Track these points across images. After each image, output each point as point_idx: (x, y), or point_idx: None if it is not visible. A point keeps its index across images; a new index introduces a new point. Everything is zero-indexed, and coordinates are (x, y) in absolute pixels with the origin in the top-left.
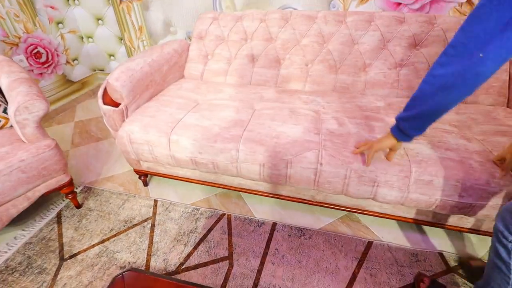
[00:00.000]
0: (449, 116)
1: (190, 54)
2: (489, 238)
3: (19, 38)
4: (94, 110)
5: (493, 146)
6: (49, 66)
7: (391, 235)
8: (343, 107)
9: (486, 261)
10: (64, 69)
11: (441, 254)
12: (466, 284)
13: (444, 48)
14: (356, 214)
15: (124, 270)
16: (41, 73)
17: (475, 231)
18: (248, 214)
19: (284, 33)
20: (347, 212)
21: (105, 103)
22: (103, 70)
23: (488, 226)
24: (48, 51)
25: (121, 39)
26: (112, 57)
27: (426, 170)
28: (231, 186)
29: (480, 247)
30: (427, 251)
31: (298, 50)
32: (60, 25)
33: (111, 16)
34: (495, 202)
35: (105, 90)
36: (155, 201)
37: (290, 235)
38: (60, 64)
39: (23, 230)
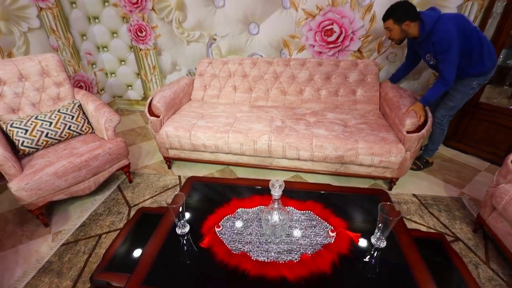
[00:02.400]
0: (342, 116)
1: (195, 85)
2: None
3: (70, 76)
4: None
5: (357, 129)
6: None
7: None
8: (286, 114)
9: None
10: None
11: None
12: None
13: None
14: (299, 173)
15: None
16: None
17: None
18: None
19: (253, 72)
20: (295, 172)
21: (150, 115)
22: (121, 97)
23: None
24: (87, 84)
25: (138, 74)
26: (129, 87)
27: (319, 140)
28: (224, 162)
29: None
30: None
31: (262, 82)
32: (94, 65)
33: (131, 59)
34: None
35: (149, 108)
36: (179, 176)
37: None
38: (94, 94)
39: (98, 195)
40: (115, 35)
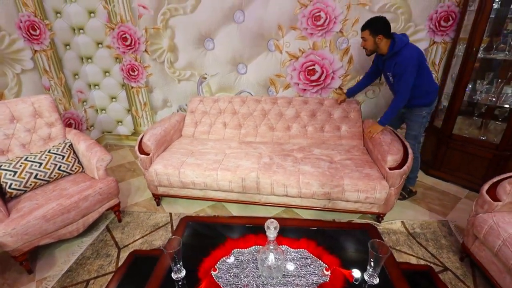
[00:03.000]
0: (328, 152)
1: (186, 121)
2: None
3: (60, 114)
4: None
5: (342, 165)
6: None
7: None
8: (274, 150)
9: None
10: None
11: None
12: None
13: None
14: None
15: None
16: None
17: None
18: (229, 214)
19: (242, 109)
20: (284, 208)
21: (140, 153)
22: (110, 132)
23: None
24: (77, 121)
25: (128, 110)
26: (119, 123)
27: (306, 177)
28: (213, 198)
29: None
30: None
31: (251, 118)
32: (84, 103)
33: (123, 96)
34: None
35: (139, 145)
36: (170, 214)
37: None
38: (83, 131)
39: (85, 237)
40: (107, 74)
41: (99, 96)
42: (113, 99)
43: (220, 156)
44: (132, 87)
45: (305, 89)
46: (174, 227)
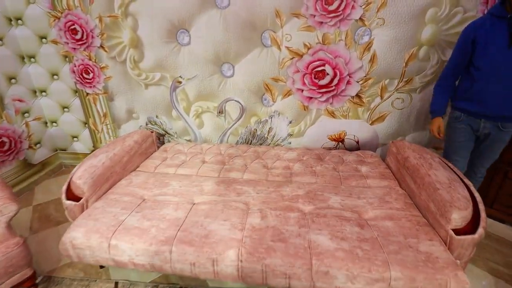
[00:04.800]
0: (353, 202)
1: (153, 155)
2: None
3: None
4: (54, 191)
5: (380, 231)
6: (11, 153)
7: None
8: (269, 197)
9: None
10: (26, 154)
11: None
12: None
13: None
14: None
15: None
16: (3, 161)
17: None
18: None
19: (230, 150)
20: None
21: (68, 198)
22: (65, 150)
23: None
24: (12, 139)
25: (85, 123)
26: (75, 139)
27: (323, 259)
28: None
29: None
30: None
31: (240, 158)
32: (26, 114)
33: (77, 105)
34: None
35: (68, 185)
36: (116, 283)
37: None
38: (22, 150)
39: None
40: (55, 77)
41: (48, 105)
42: (65, 109)
43: (182, 212)
44: (87, 94)
45: (311, 97)
46: None
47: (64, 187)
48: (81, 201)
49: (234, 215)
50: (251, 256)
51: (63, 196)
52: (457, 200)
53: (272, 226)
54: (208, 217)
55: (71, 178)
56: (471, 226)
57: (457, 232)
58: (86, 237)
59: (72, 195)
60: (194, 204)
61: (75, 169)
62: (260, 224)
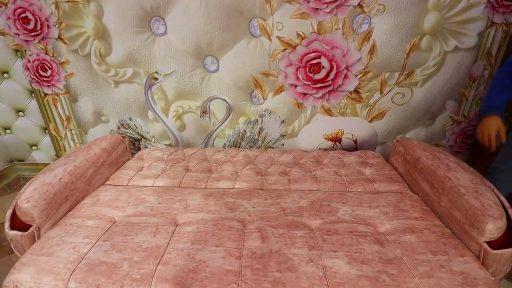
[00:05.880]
0: (365, 213)
1: (127, 164)
2: None
3: None
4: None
5: (404, 248)
6: None
7: None
8: (267, 211)
9: None
10: None
11: None
12: None
13: None
14: None
15: None
16: None
17: None
18: None
19: (217, 155)
20: None
21: (13, 227)
22: (23, 161)
23: None
24: None
25: (45, 129)
26: (34, 147)
27: None
28: None
29: None
30: None
31: (229, 164)
32: None
33: (33, 107)
34: None
35: (14, 211)
36: None
37: None
38: None
39: None
40: (5, 75)
41: None
42: (20, 113)
43: (162, 237)
44: (45, 95)
45: (305, 93)
46: None
47: (9, 213)
48: (31, 230)
49: (228, 237)
50: None
51: (7, 225)
52: (489, 208)
53: (276, 251)
54: (196, 243)
55: (16, 201)
56: (506, 237)
57: (489, 244)
58: (36, 279)
59: (19, 223)
60: (177, 225)
61: (23, 188)
62: (261, 248)
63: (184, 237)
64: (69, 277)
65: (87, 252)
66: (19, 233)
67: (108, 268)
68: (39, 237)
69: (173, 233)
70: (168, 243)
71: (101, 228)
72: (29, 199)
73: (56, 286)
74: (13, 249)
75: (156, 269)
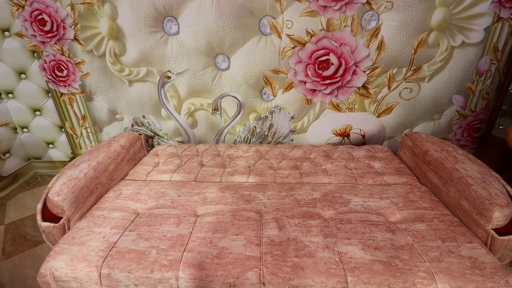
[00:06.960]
0: (376, 203)
1: (144, 160)
2: None
3: None
4: (29, 205)
5: (415, 236)
6: None
7: None
8: (282, 202)
9: None
10: None
11: None
12: None
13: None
14: None
15: None
16: None
17: None
18: None
19: (229, 151)
20: None
21: (44, 218)
22: (40, 159)
23: None
24: None
25: (61, 127)
26: (51, 145)
27: (360, 276)
28: None
29: None
30: None
31: (242, 159)
32: None
33: (50, 107)
34: None
35: (44, 204)
36: None
37: None
38: None
39: None
40: (23, 75)
41: (16, 109)
42: (37, 112)
43: (185, 227)
44: (62, 94)
45: (314, 90)
46: None
47: (39, 206)
48: (61, 221)
49: (247, 227)
50: (275, 277)
51: (39, 217)
52: (496, 197)
53: (294, 238)
54: (217, 232)
55: (47, 195)
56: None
57: (496, 231)
58: (70, 266)
59: (50, 215)
60: (198, 216)
61: (51, 182)
62: (279, 236)
63: (206, 227)
64: (101, 264)
65: (116, 241)
66: (51, 224)
67: (137, 255)
68: (69, 228)
69: (194, 223)
70: (191, 232)
71: (127, 219)
72: (59, 192)
73: (90, 272)
74: (45, 239)
75: (182, 256)
